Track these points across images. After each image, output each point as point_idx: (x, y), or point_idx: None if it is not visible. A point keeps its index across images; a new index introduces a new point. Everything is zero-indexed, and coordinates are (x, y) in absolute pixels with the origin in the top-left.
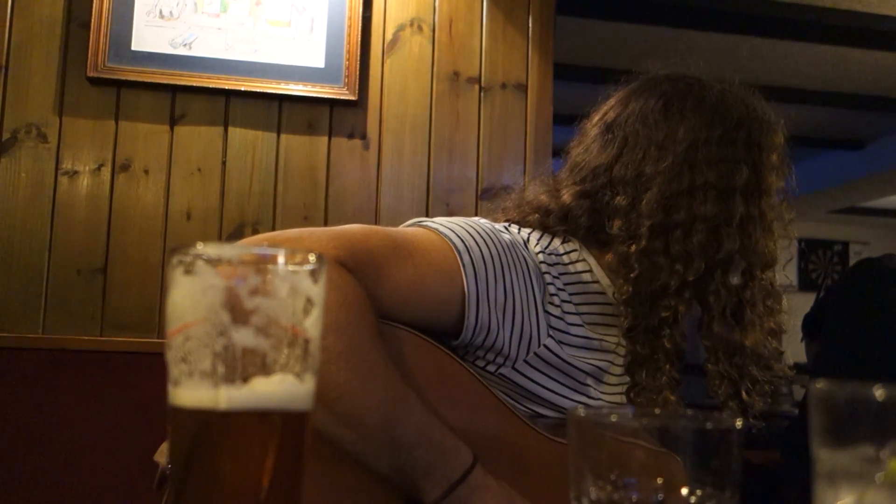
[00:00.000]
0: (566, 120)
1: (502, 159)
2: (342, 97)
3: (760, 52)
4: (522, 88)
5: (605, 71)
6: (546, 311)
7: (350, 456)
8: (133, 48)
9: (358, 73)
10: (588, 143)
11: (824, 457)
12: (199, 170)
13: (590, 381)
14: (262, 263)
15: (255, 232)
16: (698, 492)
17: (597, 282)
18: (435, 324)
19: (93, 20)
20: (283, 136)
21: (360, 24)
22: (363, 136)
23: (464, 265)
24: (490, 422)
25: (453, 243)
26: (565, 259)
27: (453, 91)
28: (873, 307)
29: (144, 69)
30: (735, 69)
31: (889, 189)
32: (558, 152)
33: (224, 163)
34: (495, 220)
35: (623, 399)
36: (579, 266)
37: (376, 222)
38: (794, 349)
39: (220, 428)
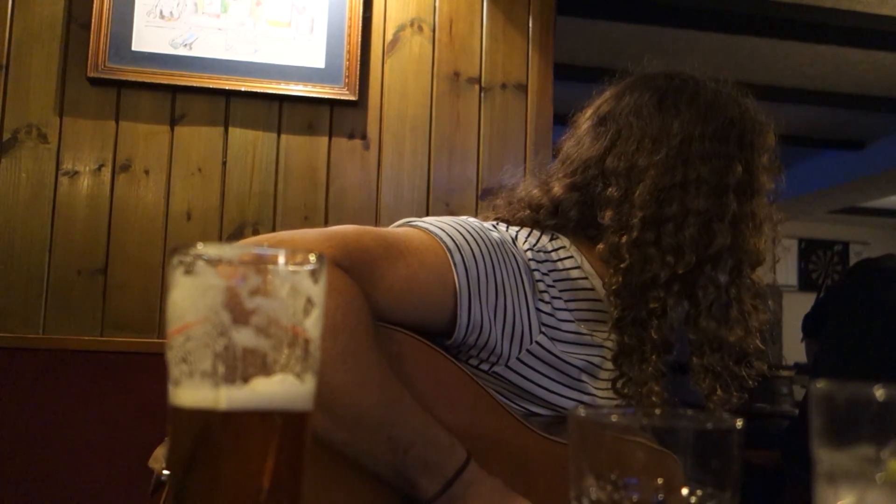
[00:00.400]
0: (566, 120)
1: (502, 159)
2: (342, 97)
3: (760, 52)
4: (523, 88)
5: (605, 71)
6: (537, 308)
7: (346, 457)
8: (133, 48)
9: (358, 73)
10: (580, 136)
11: (824, 457)
12: (200, 170)
13: (584, 377)
14: (262, 263)
15: (256, 232)
16: (698, 492)
17: (586, 278)
18: (428, 323)
19: (93, 20)
20: (283, 137)
21: (360, 25)
22: (363, 137)
23: (455, 264)
24: (485, 421)
25: (444, 243)
26: (554, 256)
27: (453, 91)
28: (873, 307)
29: (145, 69)
30: (735, 69)
31: (889, 189)
32: (559, 152)
33: (224, 163)
34: (486, 219)
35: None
36: (568, 262)
37: (376, 222)
38: (795, 349)
39: (221, 428)
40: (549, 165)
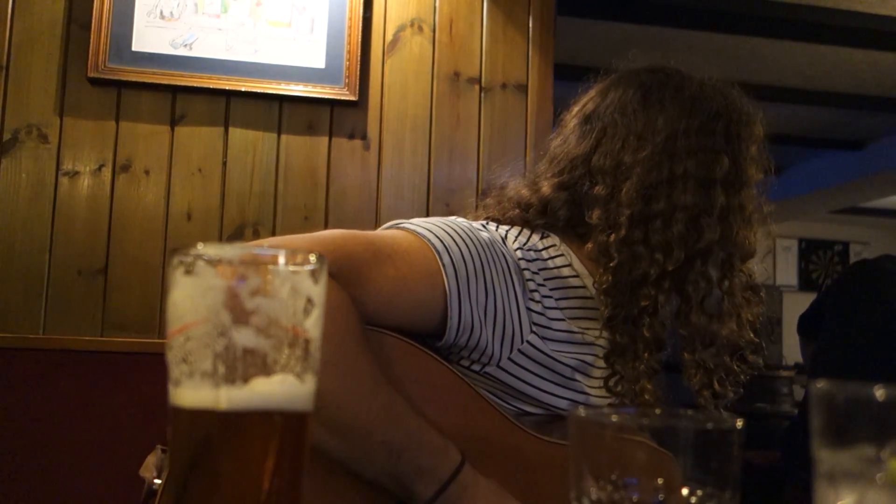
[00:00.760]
0: None
1: (502, 159)
2: (342, 97)
3: (760, 52)
4: (523, 88)
5: (605, 71)
6: (528, 308)
7: (340, 463)
8: (134, 49)
9: (358, 73)
10: (567, 135)
11: (825, 457)
12: (200, 170)
13: (577, 376)
14: (262, 264)
15: (256, 233)
16: (698, 492)
17: (576, 276)
18: (418, 326)
19: (93, 21)
20: (283, 137)
21: (360, 25)
22: (364, 137)
23: (444, 265)
24: (478, 423)
25: (432, 244)
26: (544, 254)
27: (454, 91)
28: (869, 308)
29: (145, 70)
30: (735, 69)
31: (889, 189)
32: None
33: (224, 163)
34: (476, 218)
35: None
36: (559, 261)
37: (377, 222)
38: (795, 349)
39: (221, 428)
40: (537, 164)
